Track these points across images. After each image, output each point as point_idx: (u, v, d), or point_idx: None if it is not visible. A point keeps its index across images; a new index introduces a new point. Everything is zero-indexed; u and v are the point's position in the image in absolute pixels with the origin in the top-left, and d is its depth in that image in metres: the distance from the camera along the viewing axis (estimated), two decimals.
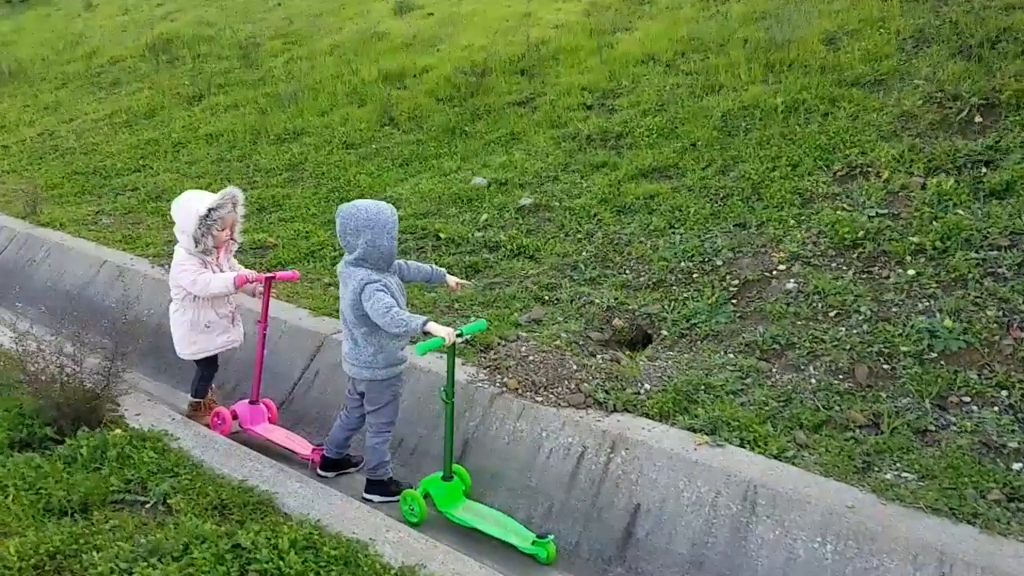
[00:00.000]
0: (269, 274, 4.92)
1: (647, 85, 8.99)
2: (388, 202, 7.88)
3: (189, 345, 4.94)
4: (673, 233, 6.21)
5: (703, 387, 4.50)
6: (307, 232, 7.56)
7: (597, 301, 5.65)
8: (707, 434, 4.04)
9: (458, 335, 3.91)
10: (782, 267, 5.44)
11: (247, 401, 4.97)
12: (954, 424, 3.95)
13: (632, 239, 6.29)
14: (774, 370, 4.60)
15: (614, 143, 8.03)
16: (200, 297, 4.82)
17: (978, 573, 3.01)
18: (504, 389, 4.59)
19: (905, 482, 3.60)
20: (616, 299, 5.61)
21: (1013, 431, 3.82)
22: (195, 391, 5.12)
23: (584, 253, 6.28)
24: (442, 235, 6.91)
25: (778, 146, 6.88)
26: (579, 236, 6.55)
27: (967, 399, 4.11)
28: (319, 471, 4.54)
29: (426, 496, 4.10)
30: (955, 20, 7.64)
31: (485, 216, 7.15)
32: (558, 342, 5.13)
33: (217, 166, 10.06)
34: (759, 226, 5.95)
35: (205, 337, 4.93)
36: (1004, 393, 4.07)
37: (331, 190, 8.55)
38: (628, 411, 4.32)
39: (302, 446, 4.67)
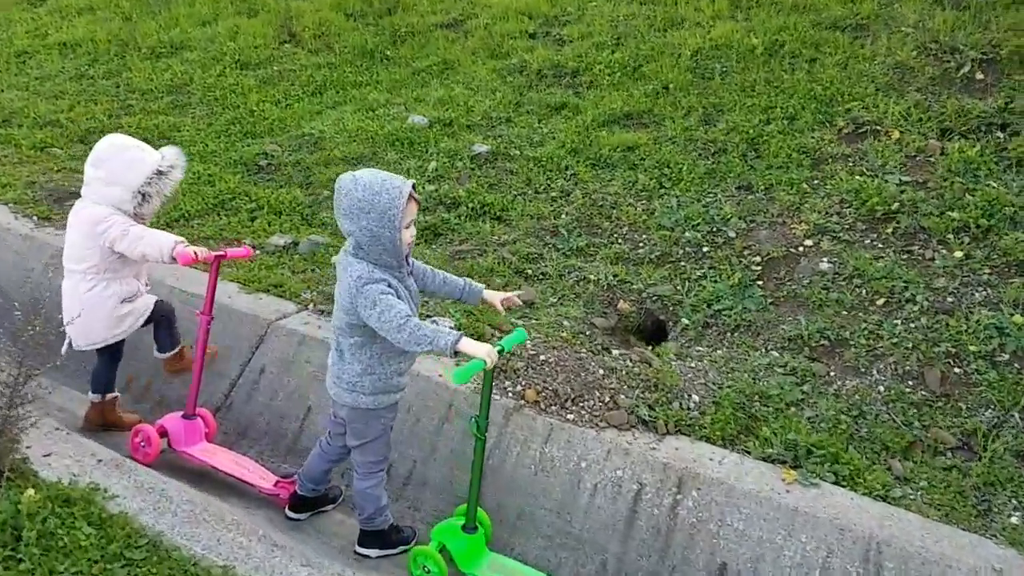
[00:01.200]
0: (219, 251, 3.74)
1: (596, 13, 8.02)
2: (307, 140, 6.73)
3: (116, 325, 3.78)
4: (666, 195, 5.39)
5: (758, 397, 3.76)
6: (211, 176, 6.21)
7: (592, 278, 4.79)
8: (792, 467, 3.31)
9: (499, 351, 2.95)
10: (808, 242, 4.75)
11: (180, 415, 3.82)
12: None
13: (618, 200, 5.42)
14: (832, 374, 3.93)
15: (570, 81, 7.07)
16: (121, 265, 3.69)
17: None
18: (522, 402, 3.68)
19: None
20: (615, 276, 4.76)
21: None
22: (104, 384, 3.93)
23: (564, 216, 5.37)
24: None
25: (766, 95, 6.15)
26: (552, 194, 5.62)
27: None
28: (288, 513, 3.51)
29: (442, 550, 3.17)
30: None
31: (434, 164, 6.07)
32: (564, 333, 4.25)
33: (78, 84, 8.32)
34: (767, 190, 5.22)
35: (129, 310, 3.81)
36: None
37: (231, 121, 7.15)
38: (683, 433, 3.51)
39: (261, 477, 3.61)
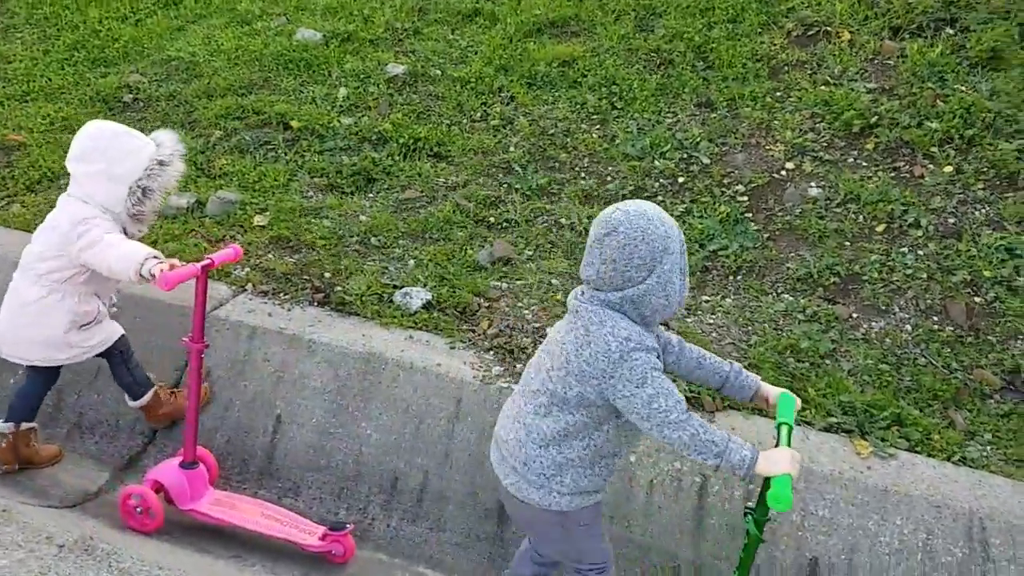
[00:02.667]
0: (205, 260, 2.86)
1: None
2: (177, 66, 5.61)
3: (60, 349, 2.96)
4: (621, 117, 4.86)
5: (790, 352, 3.44)
6: (66, 119, 5.08)
7: (565, 222, 4.26)
8: (861, 435, 3.01)
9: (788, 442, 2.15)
10: (790, 164, 4.40)
11: (176, 463, 2.99)
12: None
13: (570, 127, 4.85)
14: (856, 316, 3.65)
15: None
16: (86, 279, 2.93)
17: None
18: None
19: None
20: (590, 217, 4.24)
21: None
22: (26, 411, 3.11)
23: (513, 148, 4.75)
24: (293, 123, 4.90)
25: None
26: (493, 122, 4.96)
27: None
28: None
29: None
30: None
31: (344, 91, 5.21)
32: (559, 296, 3.72)
33: None
34: (730, 105, 4.80)
35: (83, 337, 2.98)
36: None
37: (72, 45, 5.90)
38: (732, 407, 3.13)
39: (303, 531, 2.87)
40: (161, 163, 2.92)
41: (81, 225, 2.83)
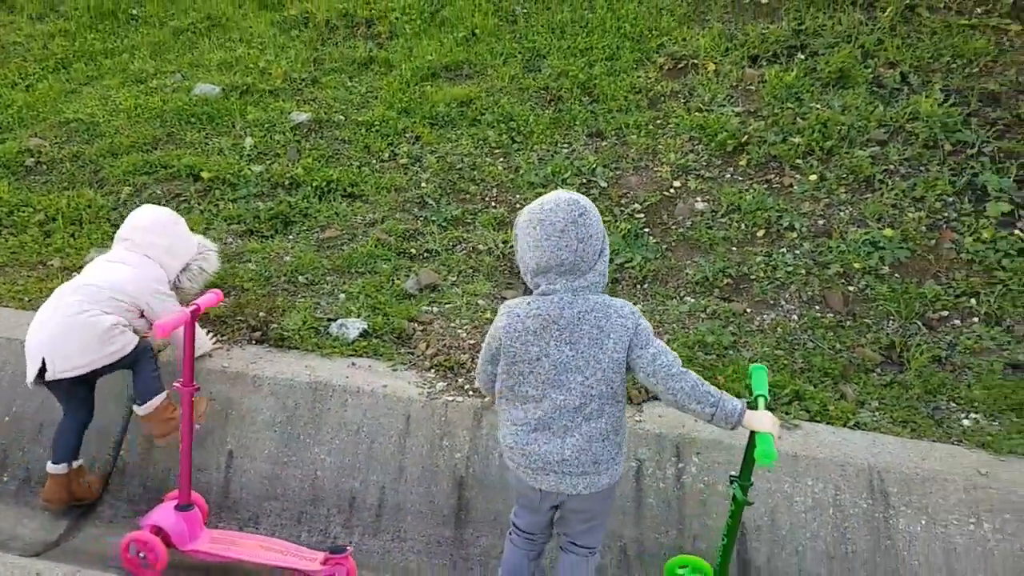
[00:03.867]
0: (192, 306, 3.00)
1: None
2: (76, 128, 5.61)
3: (105, 343, 3.15)
4: (522, 149, 5.23)
5: (699, 347, 3.82)
6: None
7: (482, 247, 4.56)
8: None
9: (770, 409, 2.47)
10: (676, 183, 4.86)
11: (171, 506, 3.05)
12: (958, 345, 3.84)
13: (476, 160, 5.17)
14: (749, 311, 4.09)
15: (366, 31, 6.56)
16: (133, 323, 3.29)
17: None
18: (487, 399, 3.42)
19: (986, 426, 3.40)
20: (505, 242, 4.57)
21: (1018, 344, 3.82)
22: (73, 447, 3.25)
23: (424, 184, 5.02)
24: (203, 174, 5.02)
25: (576, 35, 6.14)
26: (402, 161, 5.23)
27: (945, 313, 4.04)
28: None
29: None
30: None
31: (250, 140, 5.37)
32: (489, 315, 4.00)
33: None
34: (618, 134, 5.25)
35: (123, 334, 3.22)
36: (973, 302, 4.06)
37: None
38: (655, 398, 3.48)
39: (304, 559, 2.97)
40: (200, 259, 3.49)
41: (155, 281, 3.32)
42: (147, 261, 3.31)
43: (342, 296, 4.17)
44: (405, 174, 5.11)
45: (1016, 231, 4.34)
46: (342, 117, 5.59)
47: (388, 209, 4.84)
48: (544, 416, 2.41)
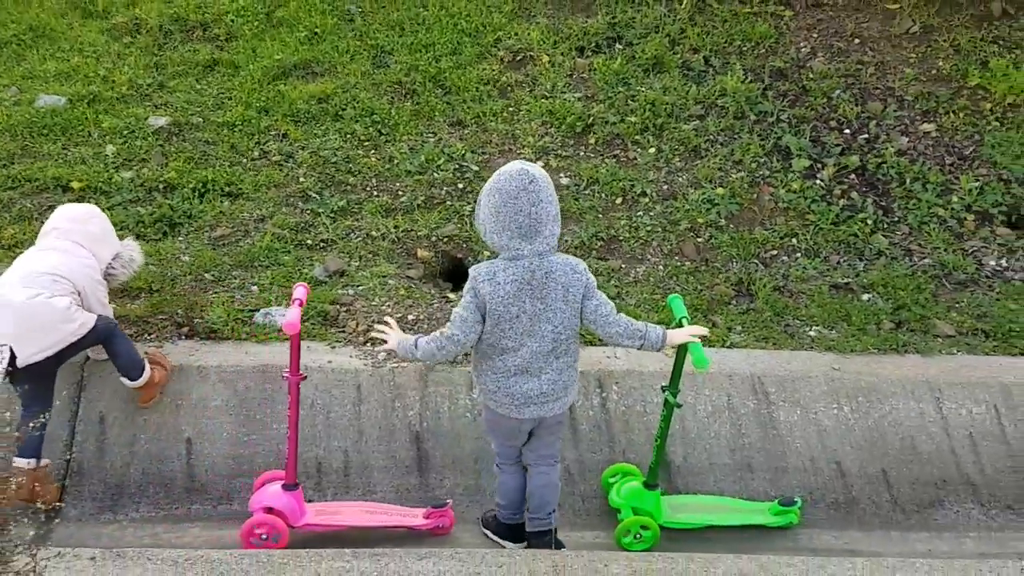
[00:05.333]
0: (295, 302, 3.24)
1: None
2: None
3: (66, 320, 3.22)
4: (391, 141, 5.57)
5: None
6: None
7: (375, 234, 4.87)
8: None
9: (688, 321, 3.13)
10: (540, 163, 5.42)
11: (280, 488, 3.22)
12: (790, 276, 4.71)
13: (349, 154, 5.45)
14: (623, 266, 4.74)
15: (203, 35, 6.57)
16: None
17: (959, 390, 3.84)
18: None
19: (827, 334, 4.25)
20: (396, 227, 4.91)
21: (835, 269, 4.75)
22: (39, 443, 3.22)
23: (303, 179, 5.23)
24: (73, 184, 4.93)
25: (416, 32, 6.54)
26: (275, 158, 5.39)
27: (775, 252, 4.91)
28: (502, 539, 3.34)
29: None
30: None
31: (111, 148, 5.30)
32: (402, 291, 4.35)
33: None
34: (477, 122, 5.74)
35: (80, 312, 3.31)
36: (795, 241, 4.97)
37: None
38: (602, 344, 4.02)
39: (408, 516, 3.30)
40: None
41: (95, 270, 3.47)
42: (78, 248, 3.40)
43: (255, 288, 4.32)
44: (280, 170, 5.27)
45: (817, 180, 5.31)
46: (200, 119, 5.62)
47: (273, 205, 5.00)
48: (522, 363, 2.89)
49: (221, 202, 4.99)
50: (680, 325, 3.10)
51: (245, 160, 5.35)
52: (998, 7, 6.41)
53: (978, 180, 5.30)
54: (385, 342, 3.01)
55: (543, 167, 5.23)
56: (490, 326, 2.85)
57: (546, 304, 2.82)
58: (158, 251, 4.53)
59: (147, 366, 3.43)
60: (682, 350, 3.12)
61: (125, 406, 3.53)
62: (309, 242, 4.75)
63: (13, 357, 3.06)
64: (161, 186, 5.03)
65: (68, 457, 3.43)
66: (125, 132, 5.42)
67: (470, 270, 2.89)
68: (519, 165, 2.76)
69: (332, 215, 4.97)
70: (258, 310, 4.11)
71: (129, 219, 4.73)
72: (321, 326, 4.04)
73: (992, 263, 4.84)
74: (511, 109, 5.83)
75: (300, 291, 3.24)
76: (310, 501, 3.35)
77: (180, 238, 4.71)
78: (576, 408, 3.74)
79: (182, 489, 3.44)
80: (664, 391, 3.22)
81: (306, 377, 3.20)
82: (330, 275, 4.44)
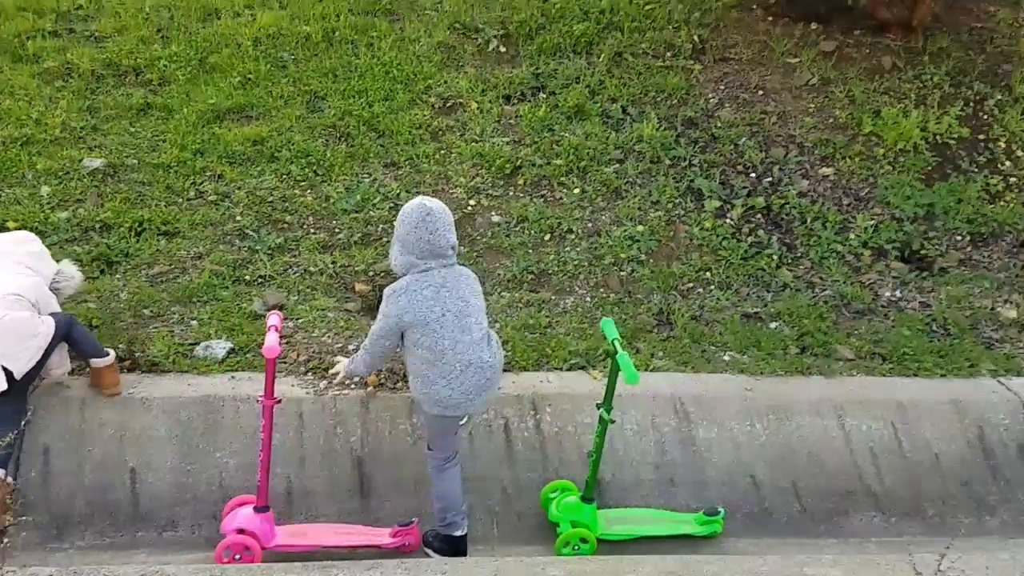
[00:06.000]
0: (271, 326, 3.48)
1: (118, 6, 7.47)
2: None
3: (32, 335, 3.45)
4: (327, 181, 5.76)
5: (525, 328, 4.66)
6: None
7: (313, 269, 5.04)
8: (591, 368, 4.32)
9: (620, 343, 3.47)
10: (472, 202, 5.70)
11: (251, 510, 3.36)
12: (705, 306, 5.05)
13: (285, 193, 5.62)
14: (553, 298, 5.01)
15: (136, 79, 6.67)
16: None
17: (860, 408, 4.20)
18: (369, 388, 3.96)
19: (739, 359, 4.59)
20: (334, 263, 5.09)
21: (745, 300, 5.12)
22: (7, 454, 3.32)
23: (239, 217, 5.37)
24: (9, 224, 4.96)
25: (349, 79, 6.78)
26: (211, 198, 5.52)
27: (691, 285, 5.26)
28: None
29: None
30: None
31: (46, 189, 5.36)
32: (341, 323, 4.52)
33: None
34: (410, 164, 5.98)
35: (43, 324, 3.54)
36: (708, 274, 5.33)
37: None
38: (506, 369, 4.24)
39: (375, 536, 3.45)
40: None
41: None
42: (23, 267, 3.57)
43: (194, 323, 4.42)
44: (217, 209, 5.39)
45: (727, 220, 5.72)
46: (135, 161, 5.71)
47: (210, 243, 5.11)
48: (464, 357, 3.25)
49: (158, 241, 5.08)
50: (612, 347, 3.37)
51: (181, 200, 5.45)
52: (888, 61, 7.03)
53: (873, 219, 5.79)
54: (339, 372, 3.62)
55: (476, 205, 5.53)
56: (420, 335, 3.20)
57: (466, 301, 3.28)
58: (97, 288, 4.59)
59: (111, 353, 3.74)
60: (614, 370, 3.38)
61: (69, 438, 3.58)
62: (247, 278, 4.88)
63: (9, 374, 3.17)
64: (97, 226, 5.09)
65: (12, 491, 3.45)
66: (60, 173, 5.47)
67: (384, 291, 3.26)
68: (419, 200, 3.32)
69: (269, 252, 5.11)
70: (199, 343, 4.20)
71: (66, 258, 4.76)
72: (262, 358, 4.15)
73: (887, 294, 5.29)
74: (443, 152, 6.10)
75: (274, 318, 3.43)
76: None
77: (118, 276, 4.77)
78: (512, 429, 3.96)
79: (127, 517, 3.50)
80: (599, 408, 3.47)
81: (280, 401, 3.36)
82: (269, 309, 4.57)
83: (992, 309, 5.14)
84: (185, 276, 4.81)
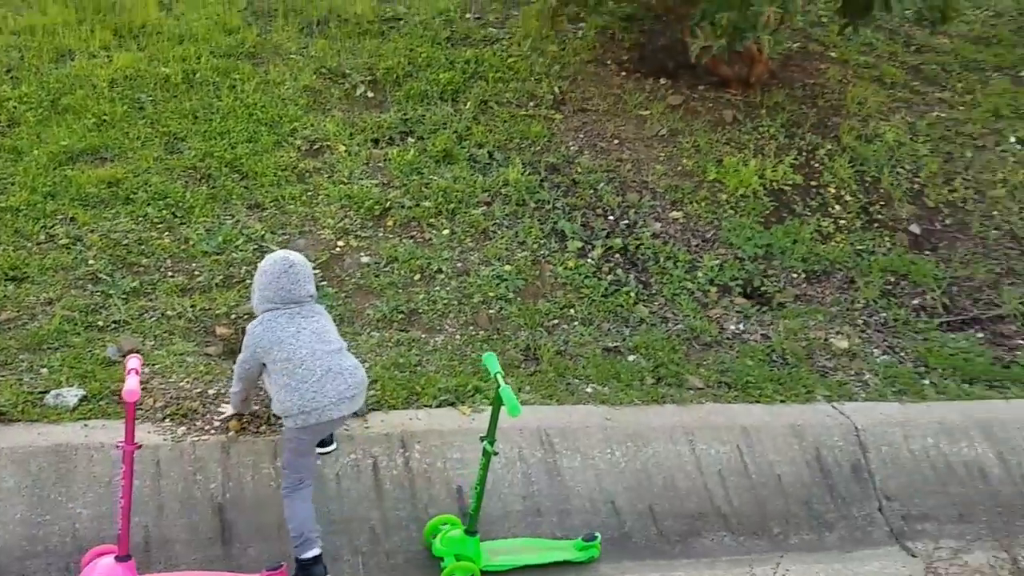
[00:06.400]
0: (131, 369, 3.29)
1: None
2: None
3: None
4: (186, 223, 5.66)
5: (395, 367, 4.72)
6: None
7: (170, 313, 4.93)
8: (460, 403, 4.43)
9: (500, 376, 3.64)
10: (341, 243, 5.74)
11: (112, 559, 3.20)
12: (570, 342, 5.28)
13: (141, 236, 5.48)
14: (423, 336, 5.10)
15: None
16: None
17: (709, 433, 4.48)
18: (231, 433, 3.91)
19: (601, 390, 4.81)
20: (193, 306, 5.00)
21: (606, 335, 5.38)
22: None
23: (92, 261, 5.20)
24: None
25: (210, 121, 6.71)
26: (62, 242, 5.32)
27: (556, 321, 5.48)
28: None
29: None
30: None
31: None
32: (201, 368, 4.44)
33: None
34: (276, 205, 5.97)
35: None
36: (572, 311, 5.58)
37: None
38: (375, 409, 4.29)
39: None
40: None
41: None
42: None
43: (44, 371, 4.23)
44: (68, 253, 5.19)
45: (589, 259, 6.00)
46: None
47: (61, 287, 4.91)
48: (323, 364, 3.46)
49: (5, 286, 4.84)
50: (496, 380, 3.49)
51: (30, 244, 5.22)
52: (730, 114, 7.59)
53: (718, 258, 6.21)
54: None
55: (344, 246, 5.57)
56: (278, 352, 3.44)
57: (320, 323, 3.57)
58: None
59: None
60: (497, 402, 3.49)
61: None
62: (100, 323, 4.71)
63: None
64: None
65: None
66: None
67: (247, 328, 3.49)
68: (281, 253, 3.64)
69: (124, 296, 4.96)
70: (49, 391, 4.03)
71: None
72: (116, 405, 4.02)
73: (732, 327, 5.68)
74: (310, 193, 6.11)
75: (134, 362, 3.34)
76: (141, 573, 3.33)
77: None
78: (380, 468, 3.98)
79: None
80: (482, 440, 3.60)
81: (141, 446, 3.28)
82: (124, 355, 4.42)
83: (825, 340, 5.60)
84: (34, 322, 4.59)
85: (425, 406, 4.39)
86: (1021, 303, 6.08)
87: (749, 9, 6.24)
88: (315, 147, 6.61)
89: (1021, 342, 5.81)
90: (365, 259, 5.60)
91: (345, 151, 6.61)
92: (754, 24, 6.23)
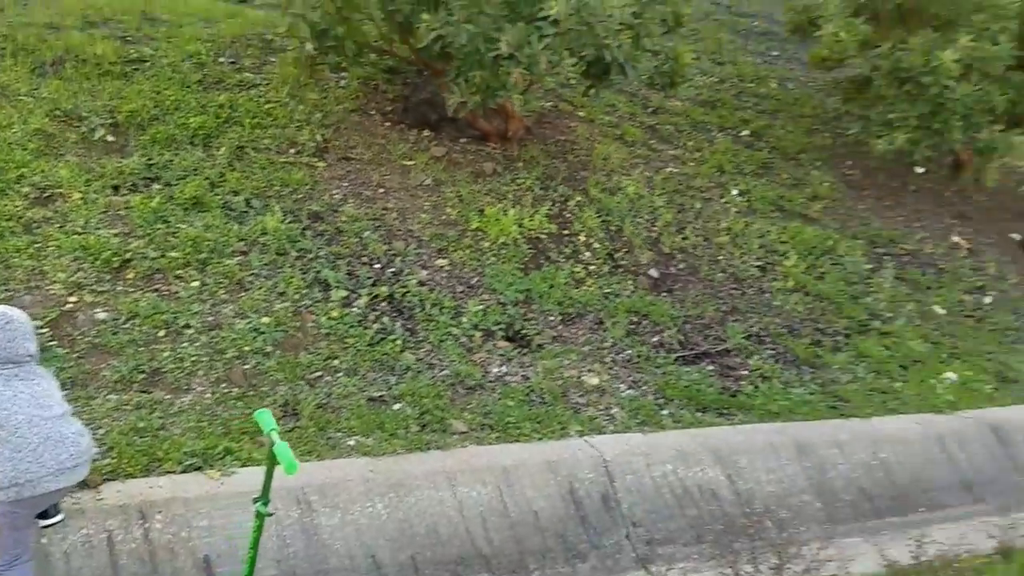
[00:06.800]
0: None
1: None
2: None
3: None
4: None
5: (134, 432, 4.40)
6: None
7: None
8: (209, 467, 4.19)
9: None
10: (73, 298, 5.29)
11: None
12: (332, 393, 5.18)
13: None
14: (168, 397, 4.79)
15: None
16: None
17: (470, 476, 4.55)
18: None
19: (364, 442, 4.76)
20: None
21: (372, 384, 5.34)
22: None
23: None
24: None
25: None
26: None
27: (319, 373, 5.36)
28: None
29: None
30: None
31: None
32: None
33: None
34: None
35: None
36: (336, 362, 5.49)
37: None
38: (110, 479, 3.96)
39: None
40: None
41: None
42: None
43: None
44: None
45: (354, 308, 5.95)
46: None
47: None
48: (41, 431, 3.24)
49: None
50: (270, 438, 3.32)
51: None
52: (490, 167, 7.90)
53: (482, 304, 6.39)
54: None
55: (77, 302, 5.12)
56: None
57: (40, 386, 3.37)
58: None
59: None
60: (272, 461, 3.31)
61: None
62: None
63: None
64: None
65: None
66: None
67: None
68: (1, 308, 3.47)
69: None
70: None
71: None
72: None
73: (495, 370, 5.85)
74: (38, 245, 5.58)
75: None
76: None
77: None
78: (116, 543, 3.65)
79: None
80: (255, 503, 3.41)
81: None
82: None
83: (578, 378, 5.91)
84: None
85: (168, 472, 4.09)
86: (744, 337, 6.79)
87: (499, 69, 6.56)
88: (45, 195, 6.06)
89: (745, 372, 6.48)
90: (101, 315, 5.18)
91: (80, 199, 6.11)
92: (504, 84, 6.56)
